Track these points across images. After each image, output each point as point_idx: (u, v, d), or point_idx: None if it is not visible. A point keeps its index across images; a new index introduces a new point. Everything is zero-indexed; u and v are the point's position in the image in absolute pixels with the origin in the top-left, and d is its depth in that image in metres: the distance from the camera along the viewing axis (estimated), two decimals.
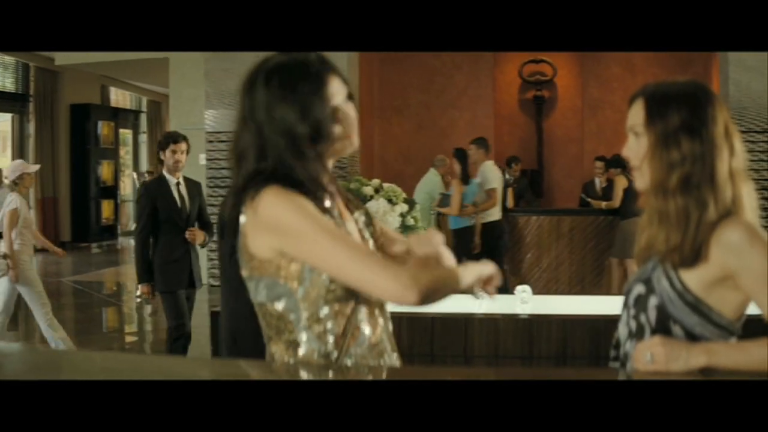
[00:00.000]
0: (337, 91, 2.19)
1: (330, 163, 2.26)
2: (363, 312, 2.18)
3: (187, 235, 6.57)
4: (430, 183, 11.19)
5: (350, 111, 2.23)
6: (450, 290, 2.13)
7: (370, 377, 2.17)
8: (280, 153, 2.12)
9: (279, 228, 2.06)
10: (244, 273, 2.20)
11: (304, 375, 2.12)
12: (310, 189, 2.12)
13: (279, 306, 2.14)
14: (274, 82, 2.14)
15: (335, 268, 2.04)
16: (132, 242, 19.22)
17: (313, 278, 2.11)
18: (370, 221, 2.40)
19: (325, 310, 2.13)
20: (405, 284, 1.99)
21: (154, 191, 6.63)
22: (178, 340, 6.53)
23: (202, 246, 6.83)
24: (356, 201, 2.42)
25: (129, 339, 9.55)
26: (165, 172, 6.64)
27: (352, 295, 2.14)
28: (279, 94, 2.13)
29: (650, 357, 2.05)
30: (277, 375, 2.15)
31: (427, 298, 2.04)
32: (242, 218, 2.13)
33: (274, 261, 2.11)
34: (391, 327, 2.35)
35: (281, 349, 2.17)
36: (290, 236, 2.06)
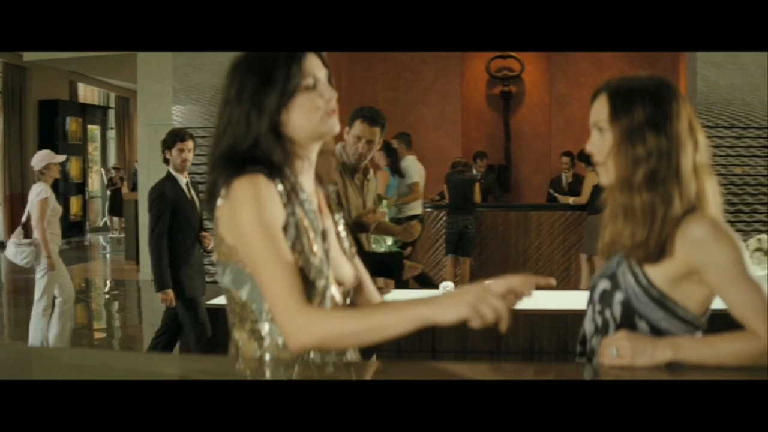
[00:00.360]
0: (315, 68, 2.18)
1: (314, 152, 2.24)
2: (327, 304, 2.16)
3: (203, 238, 6.39)
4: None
5: (327, 91, 2.19)
6: (373, 335, 1.99)
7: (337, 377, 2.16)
8: (261, 135, 2.11)
9: (236, 222, 2.05)
10: (214, 257, 2.19)
11: (273, 374, 2.11)
12: (286, 175, 2.11)
13: (243, 294, 2.12)
14: (257, 65, 2.14)
15: (261, 281, 2.03)
16: (101, 239, 19.33)
17: None
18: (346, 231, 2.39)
19: None
20: (293, 331, 1.96)
21: (170, 193, 6.23)
22: (206, 346, 6.08)
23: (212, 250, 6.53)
24: (338, 208, 2.40)
25: (98, 336, 9.54)
26: (173, 172, 6.30)
27: (315, 288, 2.12)
28: (262, 77, 2.12)
29: (615, 351, 2.05)
30: (242, 373, 2.12)
31: (319, 348, 2.06)
32: (218, 201, 2.11)
33: (239, 247, 2.10)
34: None
35: (244, 338, 2.15)
36: (240, 236, 2.05)
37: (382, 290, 3.90)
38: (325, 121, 2.17)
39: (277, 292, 1.98)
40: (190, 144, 6.32)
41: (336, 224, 2.33)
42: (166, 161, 6.35)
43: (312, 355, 2.14)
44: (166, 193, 6.22)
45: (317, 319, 1.98)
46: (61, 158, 7.68)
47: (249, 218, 2.01)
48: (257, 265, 2.01)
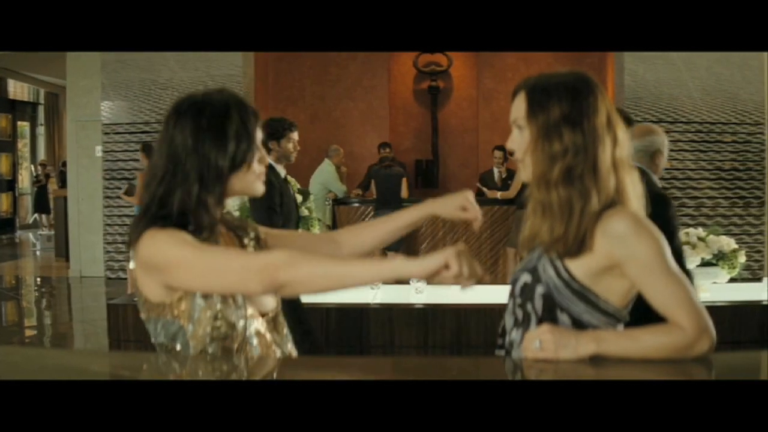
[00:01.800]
0: (258, 138, 2.23)
1: (228, 202, 2.29)
2: (253, 341, 2.20)
3: None
4: (324, 173, 11.35)
5: (264, 158, 2.26)
6: (337, 283, 2.05)
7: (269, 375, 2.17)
8: (187, 185, 2.14)
9: (157, 265, 2.09)
10: (143, 316, 2.23)
11: (202, 371, 2.13)
12: (192, 222, 2.14)
13: (177, 345, 2.17)
14: (206, 115, 2.17)
15: (204, 282, 2.08)
16: (31, 236, 19.13)
17: (200, 316, 2.13)
18: (258, 241, 2.41)
19: (212, 347, 2.16)
20: (251, 271, 2.01)
21: (279, 187, 5.66)
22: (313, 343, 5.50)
23: None
24: (245, 226, 2.43)
25: (29, 333, 9.51)
26: (274, 164, 5.72)
27: (235, 330, 2.16)
28: (208, 126, 2.15)
29: (539, 344, 2.05)
30: (173, 368, 2.17)
31: (281, 287, 2.02)
32: (131, 264, 2.17)
33: (165, 301, 2.14)
34: (285, 333, 2.38)
35: None
36: (165, 268, 2.08)
37: None
38: (258, 185, 2.27)
39: (234, 272, 2.03)
40: (296, 134, 5.97)
41: (245, 248, 2.37)
42: (269, 151, 5.72)
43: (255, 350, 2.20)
44: (276, 186, 5.62)
45: (273, 259, 2.03)
46: None
47: (165, 248, 2.07)
48: (190, 271, 2.06)
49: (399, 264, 1.97)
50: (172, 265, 2.07)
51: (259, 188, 2.27)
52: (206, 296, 2.13)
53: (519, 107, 2.21)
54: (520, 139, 2.22)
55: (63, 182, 17.65)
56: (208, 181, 2.15)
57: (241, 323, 2.17)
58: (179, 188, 2.14)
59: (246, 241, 2.38)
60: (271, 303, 2.32)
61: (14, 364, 2.15)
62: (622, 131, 2.19)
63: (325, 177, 11.32)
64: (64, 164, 16.28)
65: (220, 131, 2.15)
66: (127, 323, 5.82)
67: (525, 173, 2.24)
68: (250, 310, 2.20)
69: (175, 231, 2.10)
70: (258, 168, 2.24)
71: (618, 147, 2.17)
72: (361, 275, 2.01)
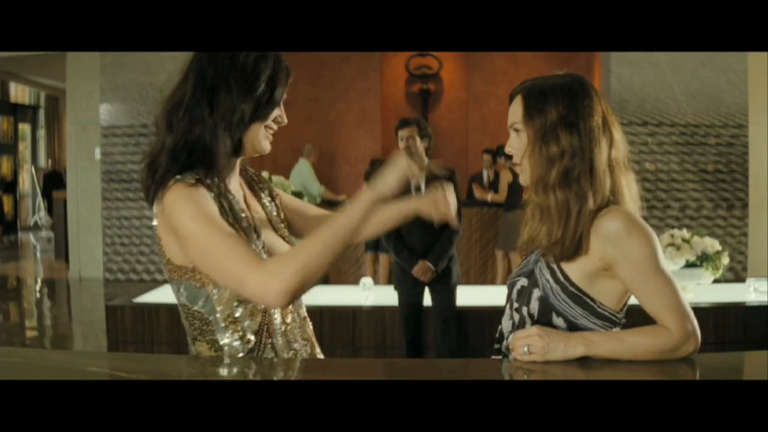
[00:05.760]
0: (283, 95, 2.21)
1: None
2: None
3: None
4: (302, 172, 11.26)
5: (284, 116, 2.23)
6: (339, 240, 1.98)
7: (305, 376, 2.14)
8: (212, 120, 2.10)
9: (176, 230, 2.04)
10: (166, 275, 2.20)
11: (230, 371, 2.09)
12: (213, 178, 2.12)
13: (199, 308, 2.15)
14: (241, 53, 2.14)
15: (212, 269, 2.02)
16: (32, 237, 19.09)
17: None
18: (273, 199, 2.40)
19: (239, 310, 2.15)
20: (264, 287, 1.91)
21: None
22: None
23: None
24: (263, 184, 2.41)
25: (30, 334, 9.43)
26: None
27: None
28: (242, 65, 2.13)
29: (527, 349, 2.05)
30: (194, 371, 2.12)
31: (301, 285, 1.93)
32: (154, 222, 2.14)
33: (187, 265, 2.11)
34: (304, 313, 2.36)
35: (205, 348, 2.18)
36: (182, 238, 2.04)
37: None
38: (266, 143, 2.23)
39: (233, 266, 1.94)
40: (406, 132, 5.98)
41: (265, 208, 2.35)
42: None
43: (270, 353, 2.19)
44: None
45: (279, 263, 1.94)
46: None
47: (186, 218, 2.01)
48: (206, 252, 1.99)
49: (368, 192, 2.03)
50: (186, 238, 2.02)
51: (266, 146, 2.22)
52: None
53: (516, 111, 2.21)
54: (517, 143, 2.22)
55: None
56: (232, 123, 2.12)
57: None
58: (203, 124, 2.11)
59: (263, 197, 2.37)
60: None
61: (14, 365, 2.11)
62: (618, 132, 2.19)
63: (303, 176, 11.15)
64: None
65: (252, 72, 2.13)
66: (125, 325, 5.86)
67: (523, 177, 2.24)
68: None
69: (195, 192, 2.04)
70: (272, 126, 2.22)
71: (614, 148, 2.17)
72: (347, 227, 1.99)
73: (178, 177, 2.07)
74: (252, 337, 2.17)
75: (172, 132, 2.14)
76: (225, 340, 2.16)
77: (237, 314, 2.15)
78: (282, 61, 2.21)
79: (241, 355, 2.16)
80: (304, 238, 2.09)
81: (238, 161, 2.27)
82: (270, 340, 2.20)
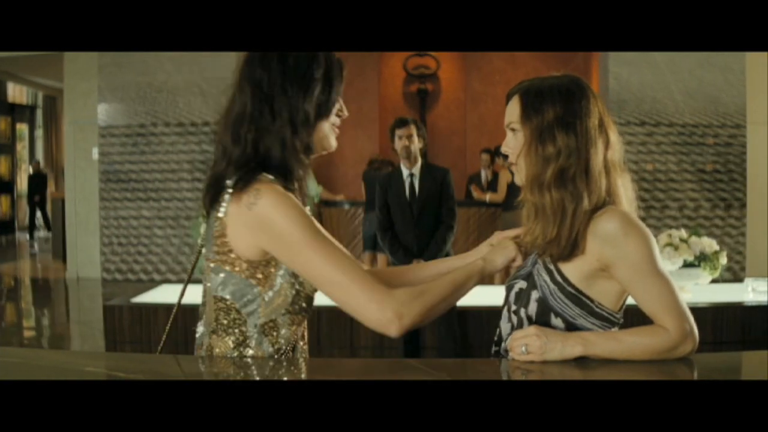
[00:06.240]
0: (341, 88, 2.22)
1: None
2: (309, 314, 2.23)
3: None
4: None
5: (343, 110, 2.25)
6: (455, 298, 2.18)
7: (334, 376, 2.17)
8: (278, 128, 2.10)
9: (273, 231, 2.02)
10: (213, 261, 2.15)
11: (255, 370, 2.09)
12: (294, 181, 2.15)
13: (240, 305, 2.12)
14: (292, 55, 2.14)
15: (325, 283, 2.04)
16: (28, 236, 19.05)
17: (283, 288, 2.11)
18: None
19: (283, 318, 2.14)
20: (391, 318, 1.99)
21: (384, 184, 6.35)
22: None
23: None
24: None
25: (27, 334, 9.46)
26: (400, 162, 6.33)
27: (310, 309, 2.20)
28: (295, 67, 2.13)
29: (525, 349, 2.07)
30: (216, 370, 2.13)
31: (418, 324, 2.04)
32: (225, 207, 2.10)
33: (252, 260, 2.09)
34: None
35: (225, 344, 2.15)
36: (283, 242, 2.03)
37: None
38: (333, 138, 2.25)
39: (356, 291, 2.01)
40: (403, 131, 6.20)
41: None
42: (395, 151, 6.44)
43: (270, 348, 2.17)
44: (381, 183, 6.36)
45: (408, 299, 2.03)
46: None
47: (291, 224, 2.02)
48: (313, 265, 2.03)
49: (481, 265, 2.29)
50: (291, 244, 2.03)
51: (333, 142, 2.25)
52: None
53: (513, 111, 2.23)
54: (514, 143, 2.24)
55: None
56: (298, 126, 2.13)
57: (315, 294, 2.20)
58: (270, 132, 2.12)
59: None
60: None
61: (12, 365, 2.12)
62: (614, 133, 2.21)
63: None
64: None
65: (307, 73, 2.13)
66: (123, 325, 5.78)
67: (519, 176, 2.26)
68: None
69: (293, 199, 2.07)
70: (335, 120, 2.23)
71: (611, 149, 2.19)
72: (462, 288, 2.22)
73: (270, 177, 2.09)
74: (283, 343, 2.17)
75: (239, 144, 2.14)
76: (256, 340, 2.14)
77: (279, 321, 2.15)
78: (332, 55, 2.22)
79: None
80: (430, 282, 2.21)
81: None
82: (295, 344, 2.23)
